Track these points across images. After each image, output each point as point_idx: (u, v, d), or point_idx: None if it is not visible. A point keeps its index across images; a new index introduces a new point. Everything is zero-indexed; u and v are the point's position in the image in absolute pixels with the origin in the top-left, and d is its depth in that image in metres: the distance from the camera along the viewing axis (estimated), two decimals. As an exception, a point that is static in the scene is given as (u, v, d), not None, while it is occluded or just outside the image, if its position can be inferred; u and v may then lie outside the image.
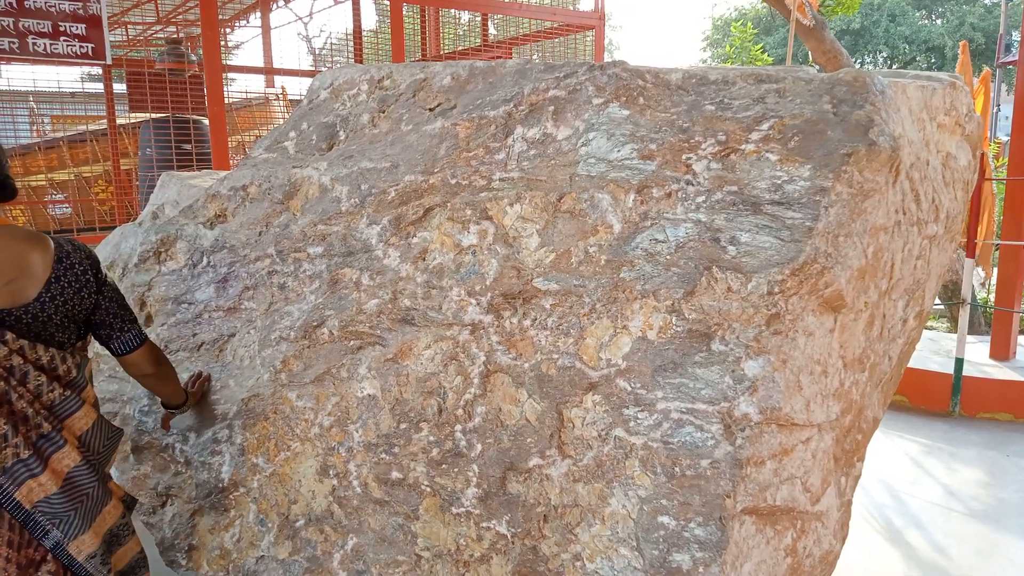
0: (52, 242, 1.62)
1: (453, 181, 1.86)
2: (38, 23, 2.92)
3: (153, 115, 4.17)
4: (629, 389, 1.56)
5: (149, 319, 2.37)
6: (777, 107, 1.64)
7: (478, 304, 1.75)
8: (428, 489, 1.73)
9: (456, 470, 1.70)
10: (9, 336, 1.53)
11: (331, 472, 1.86)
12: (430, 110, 2.04)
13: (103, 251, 2.59)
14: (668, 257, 1.58)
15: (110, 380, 2.38)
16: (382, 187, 1.96)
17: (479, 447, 1.69)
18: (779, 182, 1.56)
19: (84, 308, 1.65)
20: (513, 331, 1.71)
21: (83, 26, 3.01)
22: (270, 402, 1.97)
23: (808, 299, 1.55)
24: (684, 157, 1.63)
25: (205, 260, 2.26)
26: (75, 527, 1.60)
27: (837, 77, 1.65)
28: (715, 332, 1.52)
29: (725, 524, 1.45)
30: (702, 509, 1.46)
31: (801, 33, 5.61)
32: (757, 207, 1.55)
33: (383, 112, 2.15)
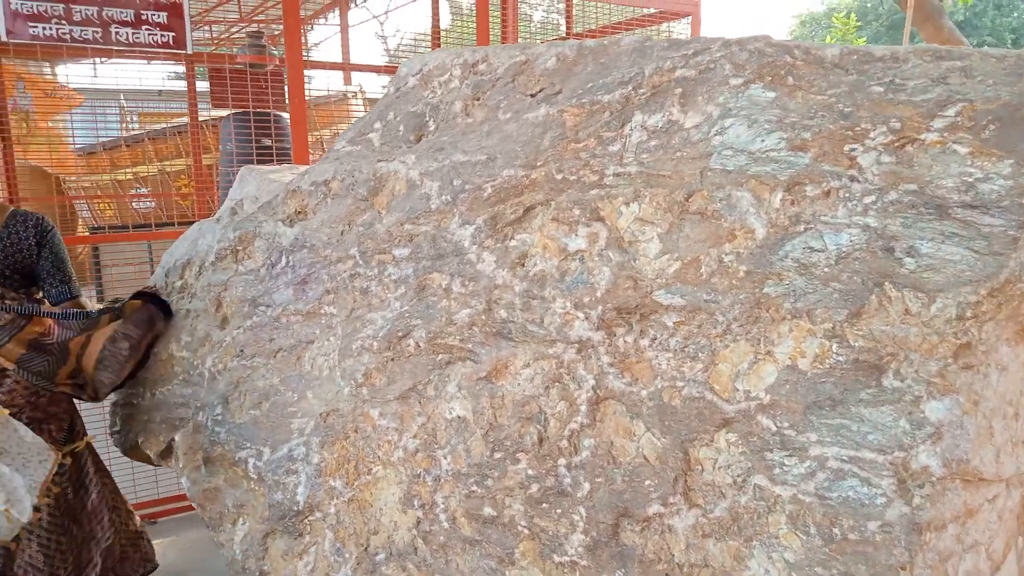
0: (9, 211, 2.27)
1: (559, 176, 1.63)
2: (121, 12, 2.86)
3: (233, 110, 4.13)
4: (774, 428, 1.30)
5: (225, 321, 2.23)
6: (964, 89, 1.34)
7: (586, 319, 1.52)
8: (526, 531, 1.50)
9: (559, 511, 1.47)
10: None
11: (415, 502, 1.66)
12: (532, 96, 1.82)
13: (180, 247, 2.47)
14: (827, 270, 1.30)
15: (184, 384, 2.27)
16: (477, 183, 1.75)
17: (587, 486, 1.45)
18: (971, 180, 1.26)
19: (25, 262, 2.26)
20: (628, 352, 1.47)
21: (164, 14, 2.94)
22: (350, 419, 1.79)
23: (1005, 326, 1.25)
24: (847, 148, 1.35)
25: (284, 260, 2.10)
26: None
27: (1042, 51, 1.34)
28: (888, 364, 1.24)
29: (902, 604, 1.17)
30: (871, 584, 1.19)
31: (917, 21, 5.13)
32: (943, 210, 1.26)
33: (478, 99, 1.94)
